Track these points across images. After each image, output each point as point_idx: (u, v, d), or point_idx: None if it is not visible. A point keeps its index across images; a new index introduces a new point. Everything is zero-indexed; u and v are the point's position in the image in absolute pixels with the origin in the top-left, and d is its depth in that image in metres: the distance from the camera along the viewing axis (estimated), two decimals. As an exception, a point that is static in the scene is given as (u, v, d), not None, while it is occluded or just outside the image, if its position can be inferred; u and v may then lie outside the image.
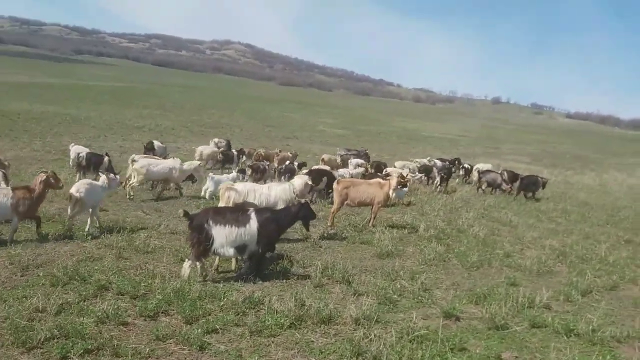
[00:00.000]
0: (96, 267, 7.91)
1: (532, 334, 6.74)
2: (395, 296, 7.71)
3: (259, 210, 8.05)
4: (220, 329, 6.08)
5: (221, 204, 10.61)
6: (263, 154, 24.71)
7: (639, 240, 14.07)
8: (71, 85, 79.44)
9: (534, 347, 6.31)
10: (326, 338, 6.07)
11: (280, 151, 26.11)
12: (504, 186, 22.48)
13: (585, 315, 7.42)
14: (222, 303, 6.78)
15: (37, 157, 20.41)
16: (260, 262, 8.08)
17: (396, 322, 6.61)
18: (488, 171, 23.90)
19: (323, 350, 5.72)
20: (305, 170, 17.20)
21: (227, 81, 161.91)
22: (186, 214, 7.76)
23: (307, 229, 9.27)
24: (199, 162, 17.40)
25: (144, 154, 21.89)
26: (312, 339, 6.02)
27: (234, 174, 16.54)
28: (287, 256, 9.36)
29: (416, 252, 10.61)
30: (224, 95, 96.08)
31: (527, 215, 16.74)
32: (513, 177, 25.12)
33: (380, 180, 13.90)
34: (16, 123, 30.76)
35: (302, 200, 8.61)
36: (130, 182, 14.70)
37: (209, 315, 6.48)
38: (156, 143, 23.10)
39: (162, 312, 6.50)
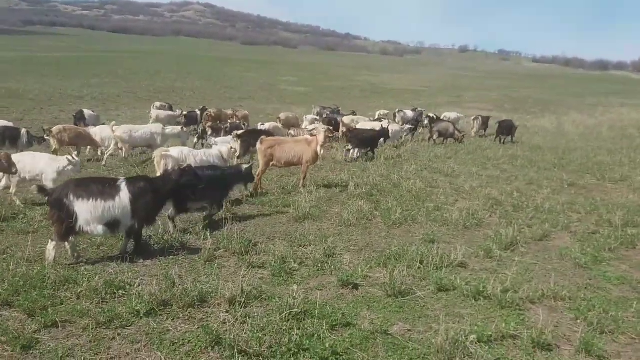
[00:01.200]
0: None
1: (436, 299, 5.95)
2: (295, 265, 6.84)
3: (131, 180, 7.00)
4: (63, 321, 5.11)
5: (158, 173, 9.84)
6: (213, 114, 23.49)
7: (582, 183, 13.45)
8: (17, 57, 75.35)
9: (434, 315, 5.52)
10: (188, 325, 5.16)
11: (235, 111, 25.01)
12: (457, 135, 21.82)
13: (502, 273, 6.68)
14: (80, 289, 5.80)
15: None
16: (140, 239, 7.09)
17: (280, 297, 5.73)
18: (439, 120, 23.16)
19: (176, 342, 4.81)
20: (240, 132, 16.11)
21: (186, 43, 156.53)
22: (41, 189, 6.67)
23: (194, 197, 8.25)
24: (180, 127, 16.78)
25: (74, 124, 20.49)
26: (170, 327, 5.10)
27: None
28: (185, 228, 8.41)
29: (341, 212, 9.72)
30: (182, 58, 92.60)
31: (473, 163, 16.01)
32: (486, 121, 25.93)
33: (308, 137, 12.92)
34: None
35: (184, 165, 7.54)
36: (109, 150, 14.69)
37: (61, 304, 5.50)
38: (86, 112, 21.59)
39: (5, 305, 5.50)
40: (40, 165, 9.76)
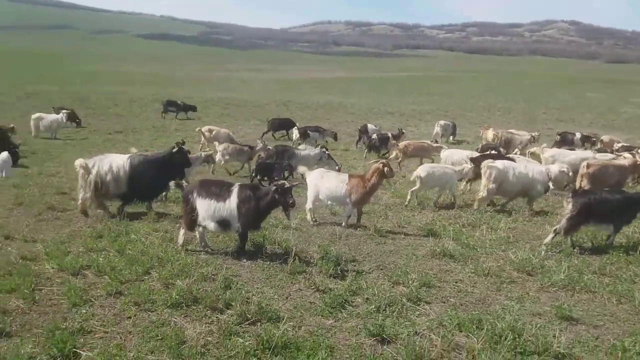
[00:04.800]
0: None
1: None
2: (359, 300, 6.19)
3: (242, 186, 7.60)
4: (117, 292, 6.06)
5: (483, 181, 11.21)
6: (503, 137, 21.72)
7: None
8: (374, 77, 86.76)
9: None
10: (188, 324, 5.38)
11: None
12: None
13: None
14: (163, 272, 6.68)
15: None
16: (244, 240, 7.65)
17: (284, 325, 5.33)
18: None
19: (151, 337, 5.08)
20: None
21: (539, 63, 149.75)
22: (178, 184, 7.94)
23: (288, 218, 8.29)
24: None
25: (359, 136, 22.73)
26: (172, 322, 5.41)
27: None
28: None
29: (502, 255, 8.09)
30: (522, 77, 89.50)
31: None
32: None
33: None
34: (287, 109, 35.64)
35: (284, 183, 7.63)
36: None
37: (141, 280, 6.49)
38: (370, 126, 23.55)
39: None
40: (446, 176, 11.44)
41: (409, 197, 11.47)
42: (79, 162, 9.39)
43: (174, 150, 9.79)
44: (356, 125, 29.85)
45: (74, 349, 4.66)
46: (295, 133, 21.70)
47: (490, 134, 20.92)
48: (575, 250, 8.37)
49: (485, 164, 11.28)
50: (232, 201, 7.40)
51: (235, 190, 7.49)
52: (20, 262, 6.80)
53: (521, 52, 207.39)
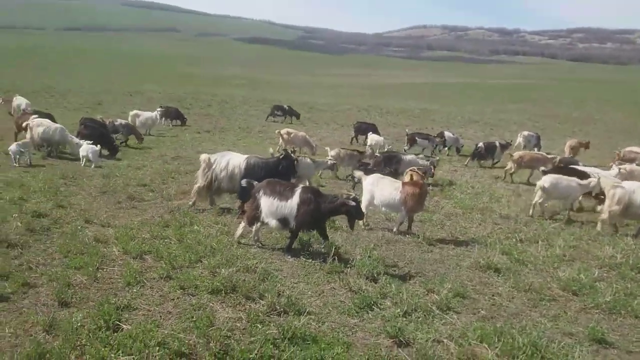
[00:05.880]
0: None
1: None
2: (388, 303, 6.37)
3: (304, 188, 8.09)
4: (166, 276, 6.68)
5: (607, 203, 10.59)
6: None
7: None
8: (463, 84, 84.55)
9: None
10: (222, 309, 5.86)
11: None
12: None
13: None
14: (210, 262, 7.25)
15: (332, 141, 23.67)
16: (294, 238, 8.16)
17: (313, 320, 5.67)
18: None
19: (186, 319, 5.61)
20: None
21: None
22: (248, 182, 8.51)
23: (352, 228, 8.42)
24: None
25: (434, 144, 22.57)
26: (208, 306, 5.90)
27: None
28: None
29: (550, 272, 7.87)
30: (627, 87, 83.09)
31: None
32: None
33: None
34: (368, 114, 35.84)
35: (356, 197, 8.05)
36: None
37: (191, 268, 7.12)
38: (447, 133, 23.28)
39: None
40: (570, 188, 11.30)
41: (531, 211, 11.52)
42: (203, 156, 10.60)
43: (281, 156, 10.62)
44: (434, 133, 29.62)
45: (117, 322, 5.29)
46: (370, 138, 21.88)
47: (567, 145, 20.54)
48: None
49: (610, 184, 10.72)
50: (294, 201, 7.86)
51: (298, 191, 7.97)
52: (92, 244, 7.66)
53: (632, 60, 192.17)
